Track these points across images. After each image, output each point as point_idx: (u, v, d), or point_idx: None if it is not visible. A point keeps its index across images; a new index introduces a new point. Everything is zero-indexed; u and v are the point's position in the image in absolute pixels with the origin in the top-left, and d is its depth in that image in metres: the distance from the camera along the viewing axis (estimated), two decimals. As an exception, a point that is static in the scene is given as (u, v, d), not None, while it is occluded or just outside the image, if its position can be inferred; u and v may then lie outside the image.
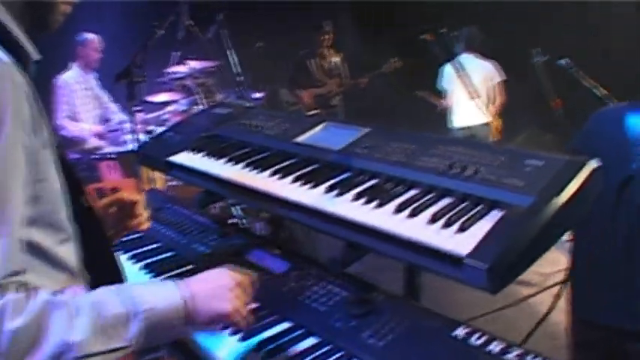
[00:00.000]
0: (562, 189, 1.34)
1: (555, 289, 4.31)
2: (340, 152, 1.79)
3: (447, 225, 1.34)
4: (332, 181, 1.66)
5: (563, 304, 2.97)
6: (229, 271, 1.36)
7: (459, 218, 1.35)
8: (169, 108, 5.56)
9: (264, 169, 1.82)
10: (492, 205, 1.39)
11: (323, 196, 1.61)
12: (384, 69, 6.97)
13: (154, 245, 2.07)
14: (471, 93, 5.93)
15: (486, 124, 6.27)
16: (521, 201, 1.34)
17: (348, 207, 1.51)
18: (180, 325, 1.20)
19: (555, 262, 3.67)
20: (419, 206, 1.44)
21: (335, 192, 1.60)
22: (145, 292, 1.19)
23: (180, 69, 5.64)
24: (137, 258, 1.99)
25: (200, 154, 2.08)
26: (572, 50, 4.20)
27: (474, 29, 6.44)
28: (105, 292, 1.15)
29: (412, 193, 1.54)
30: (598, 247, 2.26)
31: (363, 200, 1.52)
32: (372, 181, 1.63)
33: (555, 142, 6.56)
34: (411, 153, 1.66)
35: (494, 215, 1.35)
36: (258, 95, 7.15)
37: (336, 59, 7.18)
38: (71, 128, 5.37)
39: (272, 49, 7.71)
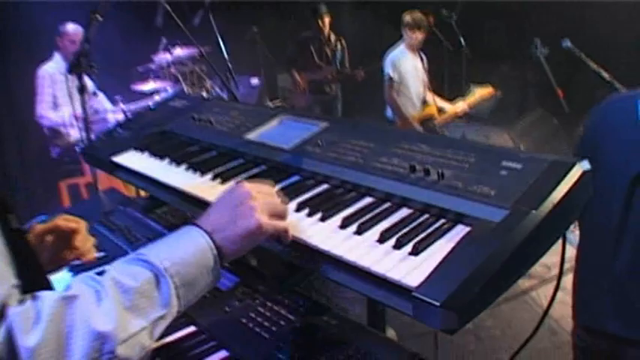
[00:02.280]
0: (543, 199, 1.08)
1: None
2: (291, 151, 1.54)
3: (399, 245, 1.09)
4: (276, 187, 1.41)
5: (567, 298, 2.74)
6: (239, 185, 1.19)
7: (414, 237, 1.10)
8: (157, 97, 5.33)
9: (205, 172, 1.58)
10: (457, 219, 1.14)
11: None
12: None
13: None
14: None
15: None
16: (491, 214, 1.09)
17: (288, 220, 1.27)
18: (215, 265, 1.08)
19: (559, 252, 3.46)
20: (368, 220, 1.19)
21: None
22: (160, 248, 1.07)
23: (166, 56, 5.41)
24: (75, 271, 1.75)
25: (145, 154, 1.84)
26: (573, 38, 3.96)
27: None
28: (119, 266, 1.03)
29: (365, 202, 1.29)
30: (602, 252, 2.00)
31: (305, 212, 1.28)
32: (321, 187, 1.38)
33: (561, 127, 6.33)
34: (370, 152, 1.41)
35: (458, 233, 1.11)
36: (254, 82, 6.93)
37: (338, 46, 6.86)
38: (52, 117, 5.15)
39: (268, 35, 7.45)
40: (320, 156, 1.46)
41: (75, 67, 3.01)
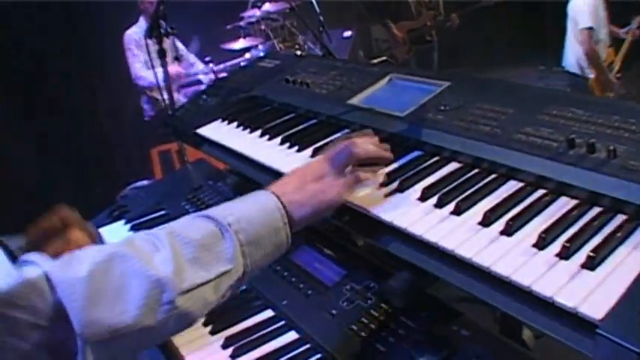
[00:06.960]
0: None
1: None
2: (407, 119, 1.27)
3: (566, 254, 0.81)
4: (394, 167, 1.15)
5: None
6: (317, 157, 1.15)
7: (585, 241, 0.82)
8: (247, 55, 5.11)
9: (303, 147, 1.33)
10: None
11: (378, 192, 1.10)
12: (484, 2, 5.88)
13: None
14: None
15: (578, 76, 4.83)
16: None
17: (415, 213, 1.00)
18: (284, 226, 1.01)
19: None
20: (519, 216, 0.91)
21: (396, 186, 1.09)
22: (224, 207, 1.01)
23: (255, 12, 5.18)
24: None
25: (233, 125, 1.61)
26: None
27: None
28: (179, 222, 0.98)
29: (509, 187, 1.00)
30: None
31: (432, 201, 1.01)
32: (450, 166, 1.10)
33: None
34: (509, 121, 1.12)
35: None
36: (347, 34, 6.60)
37: None
38: (148, 76, 5.00)
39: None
40: (445, 125, 1.19)
41: (153, 31, 2.80)
